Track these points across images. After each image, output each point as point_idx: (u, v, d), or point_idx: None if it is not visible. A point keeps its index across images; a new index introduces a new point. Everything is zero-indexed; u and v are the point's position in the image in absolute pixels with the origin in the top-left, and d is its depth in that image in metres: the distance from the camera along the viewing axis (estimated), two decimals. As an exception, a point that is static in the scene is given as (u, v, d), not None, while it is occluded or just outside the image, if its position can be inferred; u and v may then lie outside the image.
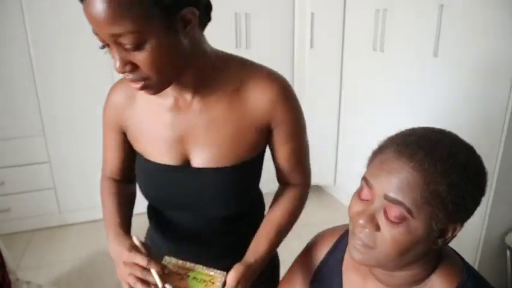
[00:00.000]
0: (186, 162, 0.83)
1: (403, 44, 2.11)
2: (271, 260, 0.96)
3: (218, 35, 2.67)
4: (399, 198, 0.58)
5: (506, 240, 1.80)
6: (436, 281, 0.67)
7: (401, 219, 0.59)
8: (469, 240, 1.80)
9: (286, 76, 2.95)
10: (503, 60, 1.59)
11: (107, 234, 0.84)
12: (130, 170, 0.93)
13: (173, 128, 0.81)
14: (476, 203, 0.63)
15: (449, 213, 0.59)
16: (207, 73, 0.77)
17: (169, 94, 0.79)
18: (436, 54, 1.88)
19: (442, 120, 1.89)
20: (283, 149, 0.86)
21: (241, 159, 0.82)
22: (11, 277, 1.54)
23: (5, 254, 1.54)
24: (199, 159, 0.82)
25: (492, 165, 1.67)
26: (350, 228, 0.67)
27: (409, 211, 0.58)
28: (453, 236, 0.64)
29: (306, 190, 0.96)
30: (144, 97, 0.81)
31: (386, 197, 0.60)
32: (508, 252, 1.77)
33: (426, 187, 0.57)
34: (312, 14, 2.57)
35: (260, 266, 0.81)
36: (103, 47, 0.67)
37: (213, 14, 2.68)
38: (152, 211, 0.98)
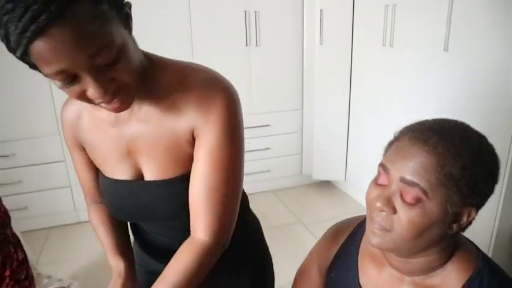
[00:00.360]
0: (140, 176, 0.81)
1: (413, 39, 2.11)
2: (258, 254, 0.99)
3: (228, 34, 2.73)
4: (415, 180, 0.61)
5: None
6: (451, 268, 0.69)
7: (417, 201, 0.62)
8: (482, 232, 1.81)
9: (296, 73, 2.97)
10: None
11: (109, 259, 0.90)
12: None
13: (120, 142, 0.78)
14: (490, 189, 0.65)
15: (463, 196, 0.61)
16: (146, 79, 0.71)
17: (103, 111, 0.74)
18: (447, 48, 1.88)
19: (453, 114, 1.88)
20: (195, 169, 0.73)
21: (186, 169, 0.75)
22: (33, 272, 1.59)
23: (26, 250, 1.59)
24: (150, 172, 0.78)
25: (505, 156, 1.67)
26: (368, 214, 0.70)
27: (424, 192, 0.61)
28: (468, 223, 0.66)
29: (210, 252, 0.74)
30: (89, 113, 0.79)
31: (402, 180, 0.63)
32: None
33: (441, 169, 0.60)
34: (321, 10, 2.58)
35: None
36: (66, 85, 0.59)
37: (223, 12, 2.76)
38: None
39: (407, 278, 0.72)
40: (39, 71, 0.59)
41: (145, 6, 2.39)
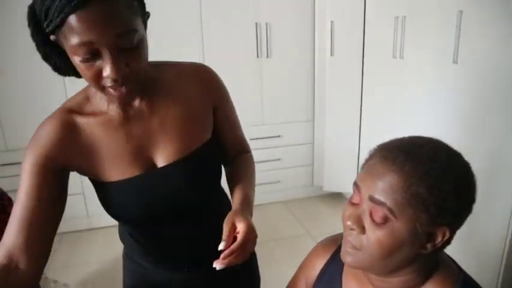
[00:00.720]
0: (152, 166, 0.85)
1: (423, 51, 2.09)
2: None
3: (239, 45, 2.77)
4: (382, 199, 0.61)
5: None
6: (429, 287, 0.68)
7: (384, 220, 0.61)
8: (492, 254, 1.75)
9: (307, 84, 3.01)
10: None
11: None
12: (42, 245, 0.76)
13: (132, 139, 0.82)
14: (464, 208, 0.64)
15: (432, 215, 0.60)
16: (147, 78, 0.81)
17: (113, 111, 0.81)
18: (456, 61, 1.86)
19: (463, 127, 1.86)
20: (230, 121, 0.98)
21: (197, 144, 0.88)
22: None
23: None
24: (162, 158, 0.84)
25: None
26: (343, 232, 0.70)
27: (391, 211, 0.60)
28: (445, 242, 0.64)
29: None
30: (87, 124, 0.81)
31: (371, 198, 0.63)
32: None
33: (407, 189, 0.60)
34: (332, 22, 2.59)
35: (248, 204, 0.89)
36: (86, 60, 0.67)
37: (234, 24, 2.84)
38: (129, 236, 0.97)
39: None
40: (56, 50, 0.71)
41: (157, 16, 2.46)
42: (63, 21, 0.63)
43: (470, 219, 0.66)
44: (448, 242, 0.65)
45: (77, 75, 0.76)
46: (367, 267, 0.67)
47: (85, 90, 0.84)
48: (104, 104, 0.82)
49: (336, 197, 3.17)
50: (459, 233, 0.66)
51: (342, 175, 2.93)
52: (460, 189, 0.62)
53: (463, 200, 0.63)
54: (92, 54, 0.66)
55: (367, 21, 2.54)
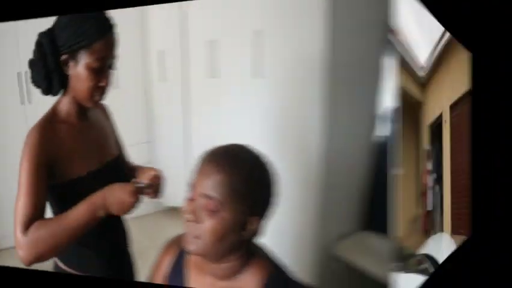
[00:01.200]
0: (101, 163, 1.10)
1: (232, 69, 2.24)
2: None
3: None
4: (211, 194, 0.76)
5: (337, 250, 1.73)
6: (249, 273, 0.84)
7: (215, 211, 0.76)
8: (301, 254, 1.81)
9: (141, 108, 3.04)
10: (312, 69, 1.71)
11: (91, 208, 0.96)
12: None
13: (86, 140, 1.08)
14: (268, 201, 0.82)
15: (247, 206, 0.77)
16: None
17: (73, 121, 1.06)
18: (257, 75, 2.02)
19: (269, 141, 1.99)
20: (120, 143, 1.28)
21: (116, 153, 1.19)
22: None
23: None
24: (105, 157, 1.13)
25: (312, 172, 1.72)
26: (184, 227, 0.84)
27: (219, 204, 0.76)
28: (255, 230, 0.80)
29: None
30: (59, 129, 1.03)
31: (204, 194, 0.77)
32: (341, 263, 1.68)
33: (228, 184, 0.76)
34: (160, 51, 2.76)
35: None
36: (96, 72, 0.97)
37: None
38: None
39: (219, 283, 0.85)
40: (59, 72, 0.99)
41: None
42: (91, 43, 0.94)
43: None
44: (257, 230, 0.81)
45: (58, 92, 1.03)
46: (206, 253, 0.80)
47: (51, 108, 1.05)
48: (67, 115, 1.05)
49: (176, 210, 3.31)
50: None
51: (178, 190, 3.05)
52: (264, 185, 0.81)
53: (266, 194, 0.81)
54: (99, 69, 0.97)
55: (190, 47, 2.63)
